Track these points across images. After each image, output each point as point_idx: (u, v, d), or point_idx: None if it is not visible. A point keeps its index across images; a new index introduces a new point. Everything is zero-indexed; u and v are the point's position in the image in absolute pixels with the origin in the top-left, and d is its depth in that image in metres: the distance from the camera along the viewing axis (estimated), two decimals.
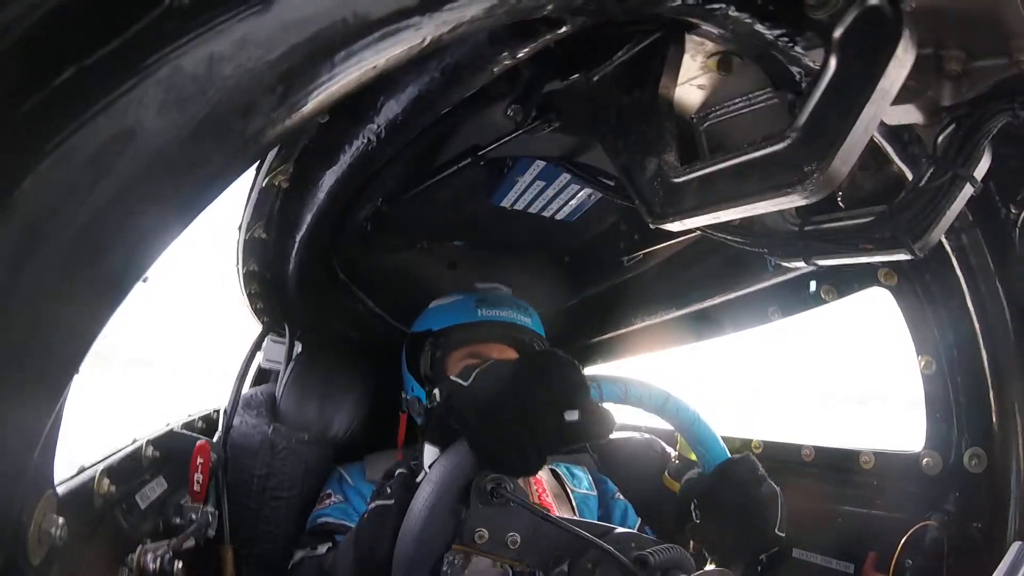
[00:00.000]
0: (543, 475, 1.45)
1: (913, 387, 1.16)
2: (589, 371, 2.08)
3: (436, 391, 0.94)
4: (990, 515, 1.01)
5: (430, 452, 0.91)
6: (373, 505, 0.98)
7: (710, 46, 0.84)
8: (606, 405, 0.91)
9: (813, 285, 1.34)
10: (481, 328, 1.42)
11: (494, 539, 0.86)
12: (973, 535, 1.03)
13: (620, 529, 0.91)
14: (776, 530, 0.96)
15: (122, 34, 0.34)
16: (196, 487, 1.20)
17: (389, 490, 0.98)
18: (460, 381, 0.90)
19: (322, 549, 1.18)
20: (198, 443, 1.23)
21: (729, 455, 1.03)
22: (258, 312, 1.55)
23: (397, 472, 1.00)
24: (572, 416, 0.85)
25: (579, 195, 1.44)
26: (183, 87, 0.36)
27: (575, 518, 1.31)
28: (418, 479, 0.90)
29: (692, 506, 1.02)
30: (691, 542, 1.02)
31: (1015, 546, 0.85)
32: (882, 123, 0.81)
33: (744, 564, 0.97)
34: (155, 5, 0.35)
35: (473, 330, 1.42)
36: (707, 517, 1.00)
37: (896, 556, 1.09)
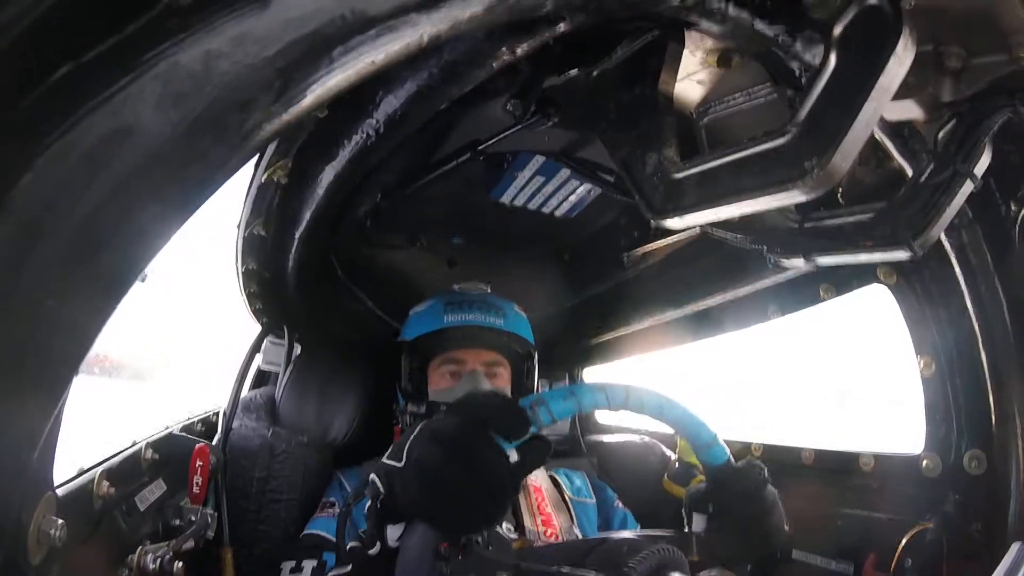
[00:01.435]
0: (542, 482, 1.43)
1: (903, 385, 1.15)
2: (588, 372, 2.11)
3: (374, 477, 0.92)
4: (989, 516, 1.00)
5: (394, 529, 0.89)
6: (331, 575, 0.97)
7: (710, 42, 0.84)
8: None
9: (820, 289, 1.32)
10: (447, 335, 1.39)
11: None
12: (973, 536, 1.02)
13: (616, 535, 0.90)
14: (785, 527, 0.96)
15: (120, 32, 0.34)
16: (195, 489, 1.20)
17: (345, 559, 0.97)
18: (394, 463, 0.87)
19: (307, 567, 1.17)
20: (197, 446, 1.23)
21: (710, 429, 0.99)
22: (257, 313, 1.54)
23: (349, 546, 0.98)
24: (514, 456, 0.83)
25: (579, 191, 1.44)
26: (180, 83, 0.36)
27: (560, 542, 1.29)
28: (371, 551, 0.89)
29: (685, 511, 1.00)
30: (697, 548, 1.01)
31: (1015, 547, 0.84)
32: (882, 119, 0.81)
33: (753, 566, 0.97)
34: (154, 3, 0.35)
35: (440, 338, 1.40)
36: (715, 530, 0.97)
37: (896, 557, 1.08)
